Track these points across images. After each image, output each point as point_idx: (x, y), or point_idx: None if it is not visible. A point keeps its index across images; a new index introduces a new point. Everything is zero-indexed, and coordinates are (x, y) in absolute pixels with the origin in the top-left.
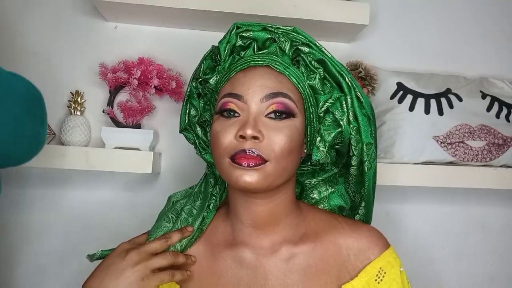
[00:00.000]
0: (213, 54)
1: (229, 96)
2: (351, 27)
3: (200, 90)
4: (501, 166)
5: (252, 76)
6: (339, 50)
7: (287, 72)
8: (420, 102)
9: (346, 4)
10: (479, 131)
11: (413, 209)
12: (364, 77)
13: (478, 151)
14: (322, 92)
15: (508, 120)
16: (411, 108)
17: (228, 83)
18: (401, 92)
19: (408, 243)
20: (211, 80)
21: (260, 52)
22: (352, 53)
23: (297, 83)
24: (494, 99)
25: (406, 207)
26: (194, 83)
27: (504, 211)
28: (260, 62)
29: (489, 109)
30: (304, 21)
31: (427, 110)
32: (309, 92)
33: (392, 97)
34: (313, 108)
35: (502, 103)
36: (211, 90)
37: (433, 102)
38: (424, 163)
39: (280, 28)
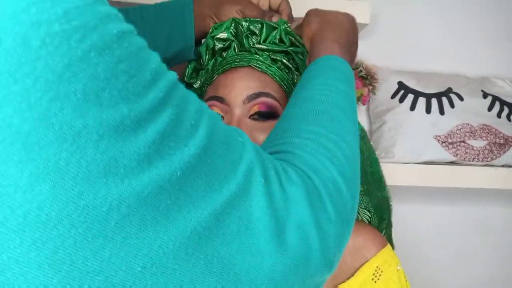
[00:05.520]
0: (198, 57)
1: (212, 99)
2: None
3: None
4: (502, 165)
5: (234, 78)
6: None
7: (269, 71)
8: (421, 101)
9: (347, 3)
10: (480, 130)
11: (414, 209)
12: (365, 76)
13: (479, 151)
14: None
15: (509, 120)
16: (412, 107)
17: (211, 86)
18: (402, 92)
19: (408, 243)
20: (195, 84)
21: (242, 52)
22: None
23: (280, 81)
24: (495, 98)
25: (406, 207)
26: None
27: (505, 211)
28: (241, 63)
29: (490, 108)
30: None
31: (428, 110)
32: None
33: (393, 97)
34: None
35: (503, 103)
36: (197, 95)
37: (434, 102)
38: (425, 163)
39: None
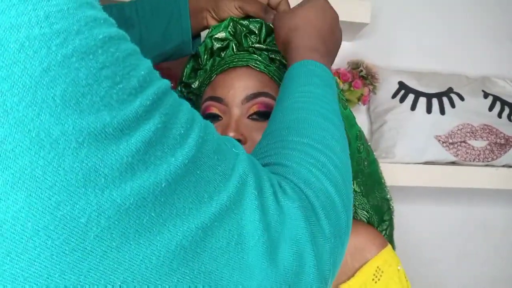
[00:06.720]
0: (197, 57)
1: (211, 99)
2: (352, 26)
3: (185, 94)
4: (503, 166)
5: (232, 78)
6: (340, 49)
7: (267, 71)
8: (422, 101)
9: (347, 2)
10: (481, 130)
11: (415, 209)
12: (366, 76)
13: (480, 151)
14: None
15: (510, 120)
16: (413, 107)
17: (209, 86)
18: (402, 91)
19: (409, 243)
20: (193, 84)
21: (240, 52)
22: (353, 52)
23: (279, 80)
24: (496, 98)
25: (407, 208)
26: (179, 87)
27: (506, 212)
28: (239, 63)
29: (491, 108)
30: None
31: (428, 110)
32: None
33: (393, 97)
34: None
35: (504, 103)
36: (195, 95)
37: (435, 102)
38: (425, 163)
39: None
